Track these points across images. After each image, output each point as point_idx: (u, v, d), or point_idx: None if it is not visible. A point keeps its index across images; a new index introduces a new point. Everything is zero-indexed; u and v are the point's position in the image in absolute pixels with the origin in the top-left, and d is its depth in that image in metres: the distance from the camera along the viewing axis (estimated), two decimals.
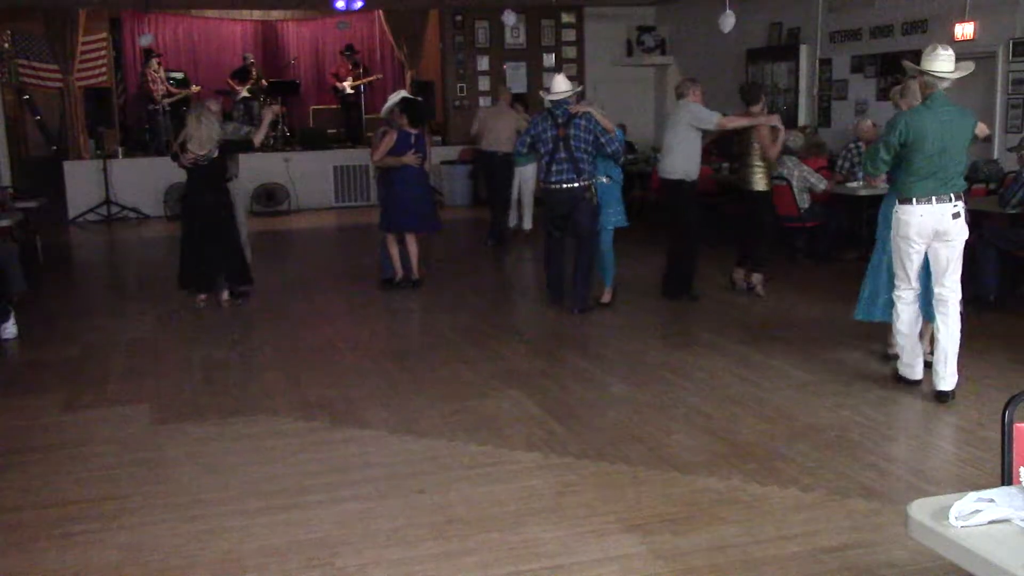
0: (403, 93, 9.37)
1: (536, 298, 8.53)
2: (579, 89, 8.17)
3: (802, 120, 12.88)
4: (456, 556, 3.72)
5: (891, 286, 5.71)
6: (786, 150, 9.01)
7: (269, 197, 15.02)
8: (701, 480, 4.39)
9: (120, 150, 15.06)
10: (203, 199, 8.09)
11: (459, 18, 16.23)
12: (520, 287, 9.64)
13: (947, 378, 5.42)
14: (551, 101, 7.64)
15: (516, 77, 16.15)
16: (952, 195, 5.33)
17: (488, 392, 5.83)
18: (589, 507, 4.13)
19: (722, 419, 5.23)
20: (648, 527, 3.92)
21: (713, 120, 7.84)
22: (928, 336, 5.84)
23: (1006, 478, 2.30)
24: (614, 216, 7.87)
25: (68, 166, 14.82)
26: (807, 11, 12.89)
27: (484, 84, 16.45)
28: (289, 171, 15.20)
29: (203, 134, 7.91)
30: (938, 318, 5.45)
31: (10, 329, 7.39)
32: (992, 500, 2.10)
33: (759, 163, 8.07)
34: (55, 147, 16.18)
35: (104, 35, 16.25)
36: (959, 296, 5.45)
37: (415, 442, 4.99)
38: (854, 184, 9.50)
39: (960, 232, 5.37)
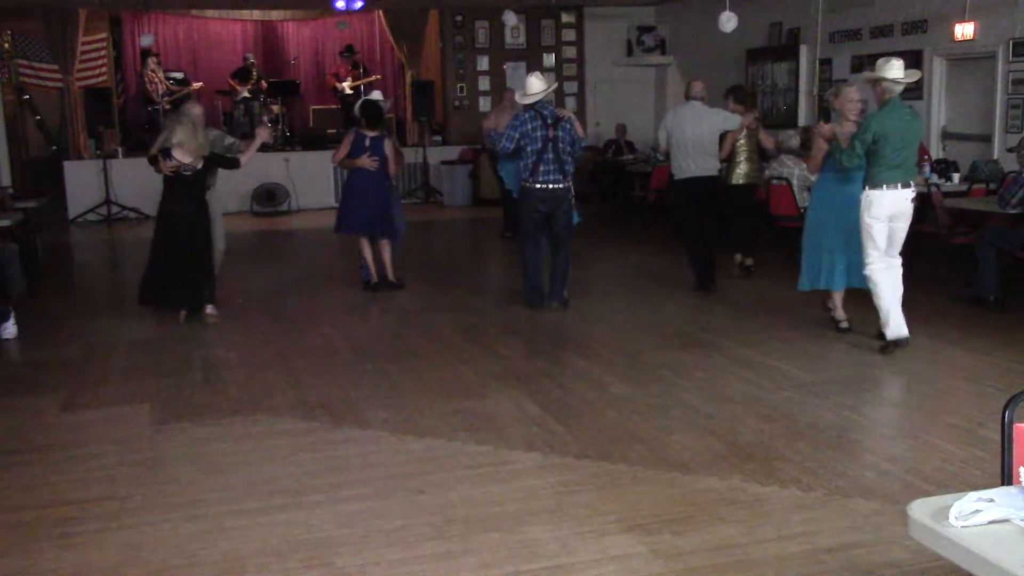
0: (374, 95, 9.37)
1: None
2: (554, 86, 8.21)
3: (802, 120, 12.88)
4: (456, 556, 3.72)
5: (832, 258, 6.84)
6: (786, 150, 9.24)
7: (269, 197, 15.02)
8: (701, 480, 4.39)
9: (120, 150, 15.07)
10: (182, 209, 7.56)
11: (459, 18, 16.24)
12: (520, 287, 9.60)
13: (902, 325, 6.40)
14: (528, 103, 7.70)
15: (516, 77, 16.15)
16: (911, 182, 6.38)
17: (488, 392, 5.83)
18: (589, 507, 4.13)
19: (722, 419, 5.23)
20: (648, 527, 3.92)
21: (740, 122, 8.55)
22: (839, 299, 6.98)
23: (1006, 478, 2.30)
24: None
25: (68, 166, 14.84)
26: (807, 11, 12.89)
27: (484, 84, 16.46)
28: (289, 171, 15.21)
29: (194, 143, 7.44)
30: (890, 279, 6.43)
31: (10, 329, 7.38)
32: (992, 500, 2.09)
33: (742, 160, 8.88)
34: (55, 147, 16.18)
35: (104, 35, 16.26)
36: (899, 260, 6.51)
37: (415, 442, 4.99)
38: None
39: (910, 213, 6.41)
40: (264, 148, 15.45)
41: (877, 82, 6.32)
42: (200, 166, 7.53)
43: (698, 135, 8.27)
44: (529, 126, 7.66)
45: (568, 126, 7.76)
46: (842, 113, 6.78)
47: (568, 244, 7.97)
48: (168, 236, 7.65)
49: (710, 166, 8.40)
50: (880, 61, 6.38)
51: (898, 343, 6.39)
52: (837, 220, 6.74)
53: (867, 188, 6.31)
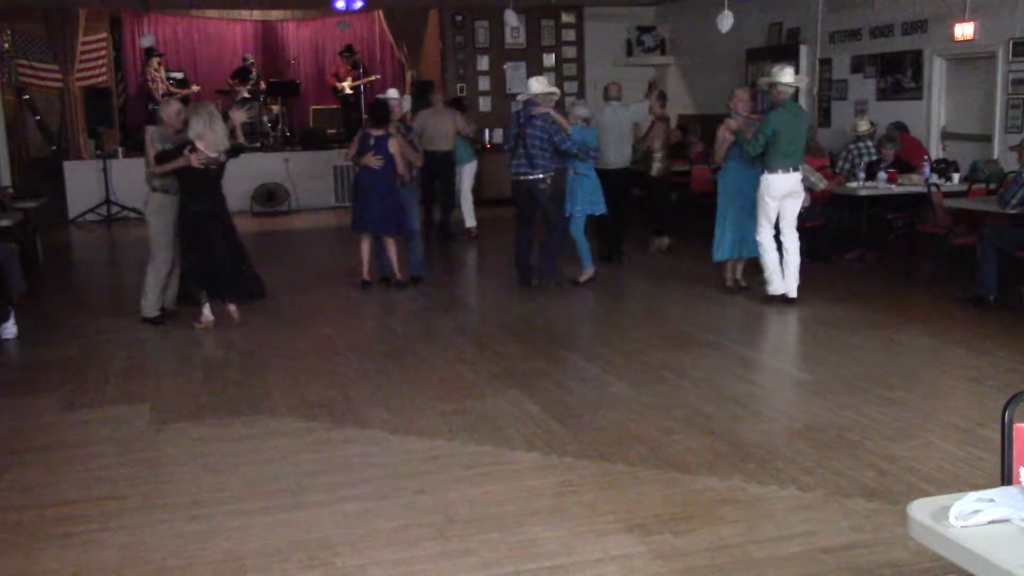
0: (389, 93, 9.46)
1: (535, 298, 8.52)
2: (552, 92, 8.69)
3: None
4: (456, 556, 3.72)
5: (739, 233, 8.06)
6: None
7: (269, 197, 15.01)
8: (701, 480, 4.39)
9: (120, 150, 15.05)
10: (212, 205, 7.28)
11: (459, 18, 16.22)
12: (518, 286, 9.64)
13: (794, 286, 7.71)
14: (522, 101, 8.67)
15: (516, 77, 16.13)
16: (800, 167, 7.72)
17: (488, 392, 5.83)
18: (589, 507, 4.13)
19: (722, 419, 5.23)
20: (648, 527, 3.92)
21: (645, 112, 9.96)
22: (741, 267, 8.35)
23: (1006, 478, 2.30)
24: (582, 205, 8.83)
25: (68, 166, 14.82)
26: (807, 11, 12.88)
27: (484, 84, 16.43)
28: (289, 171, 15.20)
29: (217, 136, 7.09)
30: (786, 248, 7.68)
31: (10, 329, 7.38)
32: (992, 500, 2.09)
33: (659, 156, 10.25)
34: (55, 147, 16.17)
35: (104, 35, 16.25)
36: (796, 234, 7.76)
37: (415, 442, 4.99)
38: (854, 184, 9.50)
39: (800, 193, 7.77)
40: (264, 148, 15.54)
41: (773, 86, 7.65)
42: (224, 159, 7.25)
43: (617, 132, 9.61)
44: (510, 126, 8.76)
45: (540, 122, 8.37)
46: (735, 110, 8.13)
47: (558, 229, 8.65)
48: (205, 234, 7.27)
49: (623, 158, 9.77)
50: (775, 69, 7.84)
51: (779, 298, 7.70)
52: (742, 199, 7.97)
53: (765, 172, 7.62)
